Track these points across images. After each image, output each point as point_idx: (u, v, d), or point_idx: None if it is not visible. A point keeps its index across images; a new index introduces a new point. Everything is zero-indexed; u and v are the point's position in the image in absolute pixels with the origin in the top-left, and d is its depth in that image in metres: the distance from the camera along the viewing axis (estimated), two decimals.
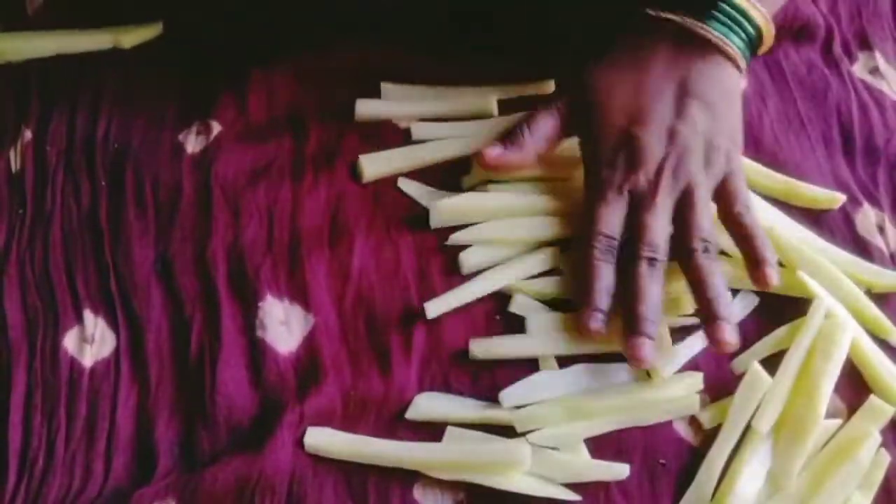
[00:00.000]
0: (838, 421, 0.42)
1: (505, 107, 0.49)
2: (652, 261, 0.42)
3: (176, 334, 0.42)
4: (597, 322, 0.41)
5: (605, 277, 0.42)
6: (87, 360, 0.41)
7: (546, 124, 0.45)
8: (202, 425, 0.40)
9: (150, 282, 0.43)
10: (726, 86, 0.45)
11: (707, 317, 0.41)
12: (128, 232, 0.44)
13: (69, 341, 0.41)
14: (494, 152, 0.45)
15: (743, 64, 0.46)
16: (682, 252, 0.42)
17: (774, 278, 0.42)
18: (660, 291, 0.41)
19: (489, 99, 0.49)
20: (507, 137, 0.45)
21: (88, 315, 0.42)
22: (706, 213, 0.43)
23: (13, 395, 0.40)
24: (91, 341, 0.41)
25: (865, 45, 0.55)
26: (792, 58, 0.53)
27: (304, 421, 0.39)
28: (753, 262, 0.42)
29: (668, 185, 0.43)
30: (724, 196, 0.44)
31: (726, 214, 0.44)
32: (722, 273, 0.42)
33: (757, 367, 0.41)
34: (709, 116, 0.44)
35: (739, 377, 0.42)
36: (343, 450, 0.39)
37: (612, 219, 0.43)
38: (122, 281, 0.43)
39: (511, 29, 0.50)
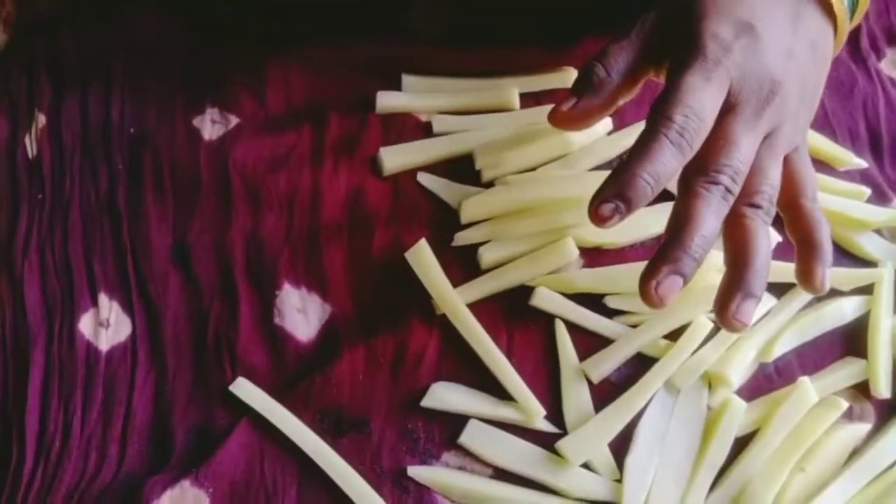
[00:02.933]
0: (867, 426, 0.42)
1: (527, 99, 0.49)
2: (719, 187, 0.33)
3: (193, 321, 0.42)
4: (606, 211, 0.32)
5: (666, 162, 0.32)
6: (104, 345, 0.41)
7: (624, 55, 0.37)
8: (221, 413, 0.40)
9: (168, 268, 0.43)
10: (827, 47, 0.38)
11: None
12: (146, 217, 0.44)
13: (84, 325, 0.41)
14: (566, 106, 0.37)
15: (843, 30, 0.39)
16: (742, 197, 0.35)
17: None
18: (716, 226, 0.34)
19: (511, 91, 0.48)
20: (578, 84, 0.37)
21: (103, 298, 0.42)
22: (778, 166, 0.36)
23: (31, 380, 0.39)
24: (106, 325, 0.41)
25: (893, 41, 0.54)
26: None
27: (323, 405, 0.40)
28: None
29: (776, 110, 0.34)
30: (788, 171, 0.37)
31: (793, 196, 0.38)
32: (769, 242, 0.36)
33: (806, 382, 0.41)
34: (817, 64, 0.37)
35: (766, 378, 0.43)
36: None
37: (703, 96, 0.33)
38: (139, 266, 0.43)
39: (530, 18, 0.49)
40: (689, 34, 0.35)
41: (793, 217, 0.38)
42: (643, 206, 0.33)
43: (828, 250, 0.37)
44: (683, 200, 0.34)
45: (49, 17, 0.50)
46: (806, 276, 0.37)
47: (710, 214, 0.33)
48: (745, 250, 0.35)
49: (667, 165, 0.33)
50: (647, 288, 0.33)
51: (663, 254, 0.33)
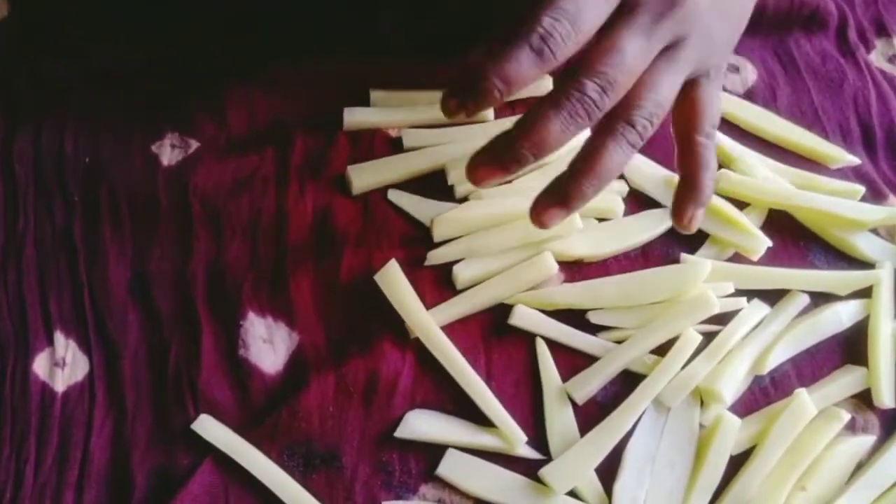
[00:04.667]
0: (871, 438, 0.40)
1: (500, 109, 0.47)
2: (584, 97, 0.30)
3: (154, 357, 0.40)
4: (452, 106, 0.31)
5: (522, 68, 0.29)
6: (60, 386, 0.39)
7: None
8: (183, 453, 0.38)
9: (127, 303, 0.41)
10: None
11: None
12: (104, 250, 0.42)
13: (39, 365, 0.39)
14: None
15: None
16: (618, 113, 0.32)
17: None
18: (560, 137, 0.31)
19: None
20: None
21: (59, 337, 0.40)
22: (674, 83, 0.33)
23: None
24: (62, 365, 0.39)
25: (883, 31, 0.52)
26: (804, 47, 0.51)
27: (291, 440, 0.38)
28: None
29: (679, 19, 0.31)
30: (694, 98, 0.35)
31: (688, 128, 0.35)
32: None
33: (803, 393, 0.39)
34: None
35: (761, 392, 0.41)
36: None
37: (591, 5, 0.30)
38: (96, 302, 0.41)
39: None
40: None
41: (682, 150, 0.36)
42: (491, 107, 0.33)
43: (707, 193, 0.35)
44: (541, 102, 0.31)
45: (3, 55, 0.48)
46: (678, 212, 0.36)
47: (557, 126, 0.30)
48: (589, 165, 0.32)
49: (521, 72, 0.30)
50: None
51: (498, 139, 0.32)
